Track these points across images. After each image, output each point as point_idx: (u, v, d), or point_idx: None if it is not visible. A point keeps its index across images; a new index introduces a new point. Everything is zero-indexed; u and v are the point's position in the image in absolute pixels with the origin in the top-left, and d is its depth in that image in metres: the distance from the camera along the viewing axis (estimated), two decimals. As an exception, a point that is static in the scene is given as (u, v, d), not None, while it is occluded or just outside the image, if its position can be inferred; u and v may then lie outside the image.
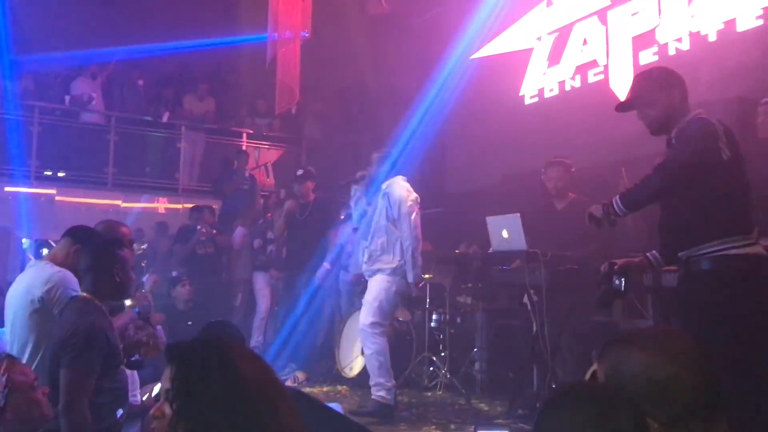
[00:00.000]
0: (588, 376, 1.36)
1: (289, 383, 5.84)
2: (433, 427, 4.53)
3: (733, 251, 2.55)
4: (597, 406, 1.10)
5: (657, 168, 2.70)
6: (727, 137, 2.62)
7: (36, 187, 9.35)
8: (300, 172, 6.86)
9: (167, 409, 1.43)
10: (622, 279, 2.80)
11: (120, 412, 2.68)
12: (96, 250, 2.86)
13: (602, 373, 1.32)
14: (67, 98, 9.72)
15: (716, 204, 2.60)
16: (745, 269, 2.55)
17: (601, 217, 2.84)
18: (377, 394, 4.66)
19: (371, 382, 4.74)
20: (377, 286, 4.81)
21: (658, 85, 2.84)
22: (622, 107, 2.95)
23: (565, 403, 1.14)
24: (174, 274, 7.11)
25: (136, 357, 3.04)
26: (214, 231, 7.61)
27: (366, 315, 4.79)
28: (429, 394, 5.51)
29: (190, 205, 9.20)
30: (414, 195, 4.91)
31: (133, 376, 3.33)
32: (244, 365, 1.49)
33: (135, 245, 8.35)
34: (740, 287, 2.53)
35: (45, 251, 7.17)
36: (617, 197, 2.78)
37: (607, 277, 2.83)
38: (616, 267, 2.82)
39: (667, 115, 2.78)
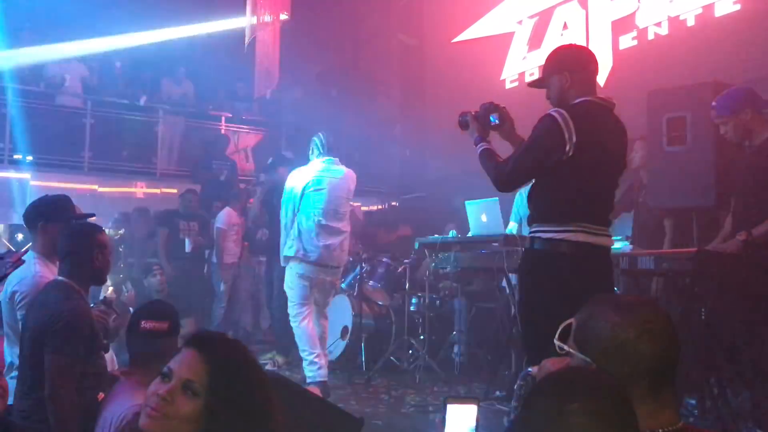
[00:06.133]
0: (562, 327, 1.44)
1: (269, 367, 5.84)
2: (412, 409, 4.56)
3: (548, 235, 2.77)
4: (582, 394, 1.12)
5: (509, 160, 2.87)
6: (578, 133, 2.69)
7: (10, 171, 9.17)
8: (270, 160, 6.86)
9: (182, 399, 1.43)
10: (496, 115, 3.03)
11: (102, 396, 2.65)
12: (75, 235, 2.80)
13: (575, 325, 1.41)
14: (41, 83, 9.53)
15: (551, 193, 2.82)
16: (549, 251, 2.77)
17: (470, 125, 3.04)
18: None
19: None
20: None
21: (552, 68, 2.93)
22: (531, 85, 3.11)
23: (549, 391, 1.16)
24: (151, 260, 7.04)
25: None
26: (200, 237, 7.50)
27: None
28: (408, 376, 5.53)
29: (169, 190, 9.10)
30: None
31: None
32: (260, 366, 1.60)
33: (111, 230, 8.32)
34: (541, 265, 2.79)
35: (20, 236, 7.11)
36: (485, 146, 2.97)
37: (485, 110, 3.04)
38: (495, 105, 3.06)
39: (559, 97, 2.87)
